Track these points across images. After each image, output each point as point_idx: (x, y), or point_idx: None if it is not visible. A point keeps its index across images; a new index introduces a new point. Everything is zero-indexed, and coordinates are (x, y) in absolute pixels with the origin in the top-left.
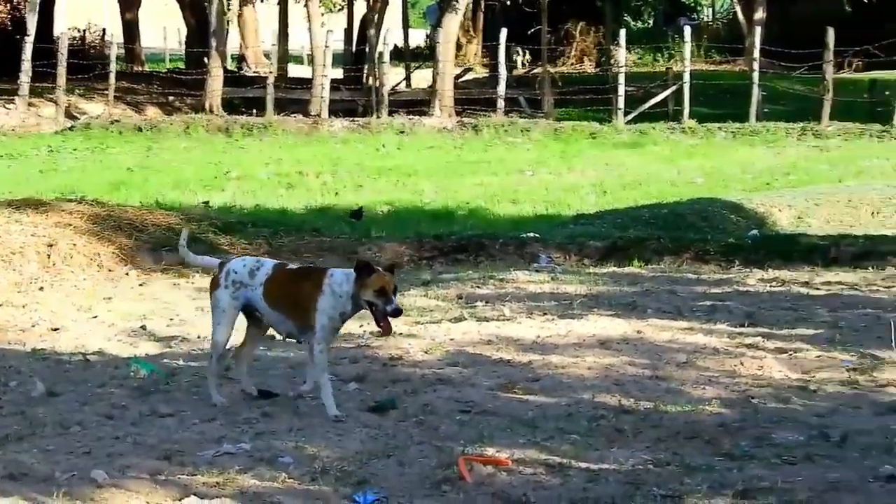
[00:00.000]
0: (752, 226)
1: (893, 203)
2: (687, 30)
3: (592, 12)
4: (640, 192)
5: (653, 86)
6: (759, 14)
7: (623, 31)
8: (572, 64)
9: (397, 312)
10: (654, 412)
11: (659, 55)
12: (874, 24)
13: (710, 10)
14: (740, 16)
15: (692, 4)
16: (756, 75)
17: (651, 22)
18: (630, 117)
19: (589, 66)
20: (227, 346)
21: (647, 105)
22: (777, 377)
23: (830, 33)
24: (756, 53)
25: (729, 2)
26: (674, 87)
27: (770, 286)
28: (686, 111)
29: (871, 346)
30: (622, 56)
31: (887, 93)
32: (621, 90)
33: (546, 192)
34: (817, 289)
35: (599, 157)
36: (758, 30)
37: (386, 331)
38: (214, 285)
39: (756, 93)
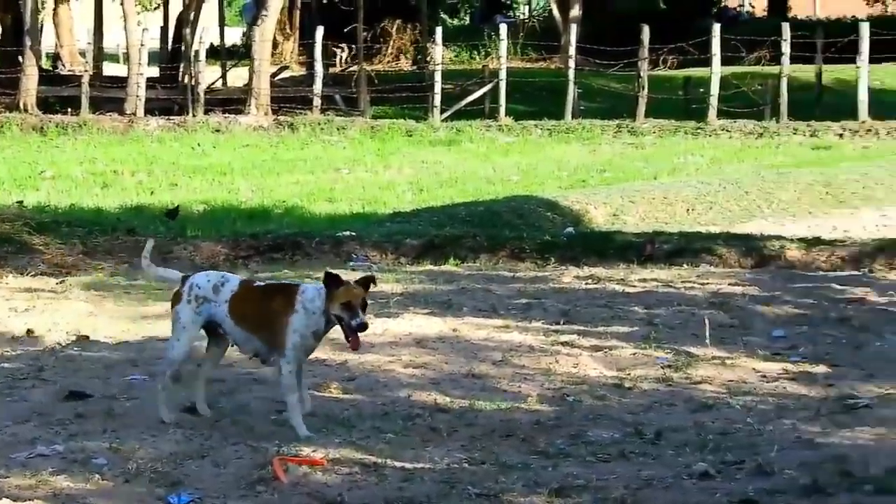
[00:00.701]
0: (568, 223)
1: (708, 199)
2: (503, 27)
3: (409, 10)
4: (456, 190)
5: (469, 83)
6: (575, 11)
7: (439, 29)
8: (389, 62)
9: (361, 327)
10: (470, 411)
11: (475, 53)
12: (688, 22)
13: (527, 7)
14: (556, 13)
15: (509, 2)
16: (572, 73)
17: (468, 19)
18: (446, 115)
19: (406, 64)
20: (179, 365)
21: (463, 103)
22: (592, 375)
23: (645, 31)
24: (572, 51)
25: (545, 0)
26: (490, 85)
27: (586, 284)
28: (502, 109)
29: (685, 343)
30: (438, 54)
31: (702, 90)
32: (438, 88)
33: (363, 190)
34: (633, 286)
35: (416, 154)
36: (573, 27)
37: (354, 346)
38: (176, 300)
39: (572, 90)
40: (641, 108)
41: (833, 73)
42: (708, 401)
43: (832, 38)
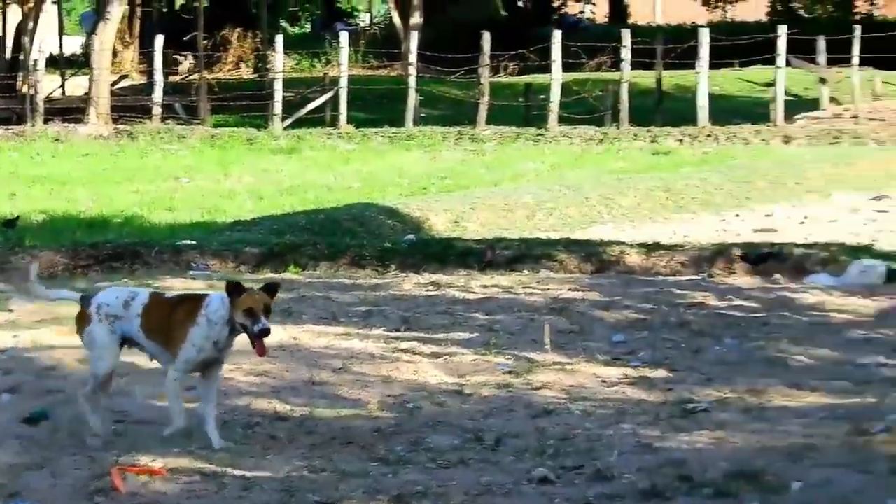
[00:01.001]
0: (409, 230)
1: (548, 206)
2: (344, 35)
3: (249, 18)
4: (297, 198)
5: (310, 91)
6: (416, 19)
7: (280, 37)
8: (229, 70)
9: (263, 332)
10: (310, 419)
11: (316, 61)
12: (529, 28)
13: (368, 15)
14: (397, 21)
15: (349, 10)
16: (413, 80)
17: (308, 27)
18: (287, 123)
19: (246, 72)
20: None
21: (304, 111)
22: (432, 381)
23: (486, 38)
24: (412, 58)
25: (386, 7)
26: (331, 93)
27: (426, 290)
28: (343, 116)
29: (525, 349)
30: (279, 62)
31: (542, 96)
32: (278, 96)
33: (203, 198)
34: (473, 292)
35: (257, 163)
36: (414, 35)
37: (260, 352)
38: (85, 321)
39: (412, 98)
40: (482, 115)
41: (673, 78)
42: (548, 406)
43: (672, 44)
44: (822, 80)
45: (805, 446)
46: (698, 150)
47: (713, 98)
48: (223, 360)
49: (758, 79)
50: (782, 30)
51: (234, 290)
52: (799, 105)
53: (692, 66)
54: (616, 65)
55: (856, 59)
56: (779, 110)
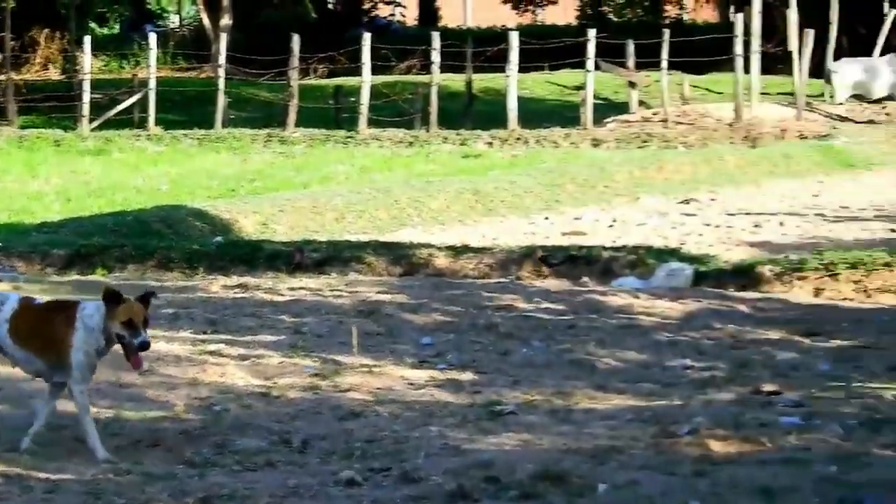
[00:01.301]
0: (218, 232)
1: (358, 208)
2: (152, 36)
3: (57, 18)
4: (105, 200)
5: (118, 93)
6: (225, 20)
7: (88, 38)
8: (37, 71)
9: (144, 345)
10: (115, 421)
11: (126, 62)
12: (339, 31)
13: (177, 16)
14: (206, 22)
15: (159, 11)
16: (222, 82)
17: (117, 28)
18: (95, 124)
19: (54, 73)
20: None
21: (112, 112)
22: (240, 384)
23: (296, 40)
24: (222, 60)
25: (195, 9)
26: (139, 94)
27: (234, 293)
28: (152, 118)
29: (333, 351)
30: (87, 63)
31: (352, 99)
32: (86, 97)
33: (9, 200)
34: (281, 295)
35: (64, 164)
36: (223, 36)
37: (137, 365)
38: None
39: (222, 100)
40: (292, 117)
41: (483, 82)
42: (355, 409)
43: (482, 48)
44: (632, 84)
45: (611, 448)
46: (508, 153)
47: (523, 101)
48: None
49: (567, 82)
50: (591, 34)
51: (112, 298)
52: (608, 108)
53: (502, 70)
54: (426, 68)
55: (665, 63)
56: (588, 114)
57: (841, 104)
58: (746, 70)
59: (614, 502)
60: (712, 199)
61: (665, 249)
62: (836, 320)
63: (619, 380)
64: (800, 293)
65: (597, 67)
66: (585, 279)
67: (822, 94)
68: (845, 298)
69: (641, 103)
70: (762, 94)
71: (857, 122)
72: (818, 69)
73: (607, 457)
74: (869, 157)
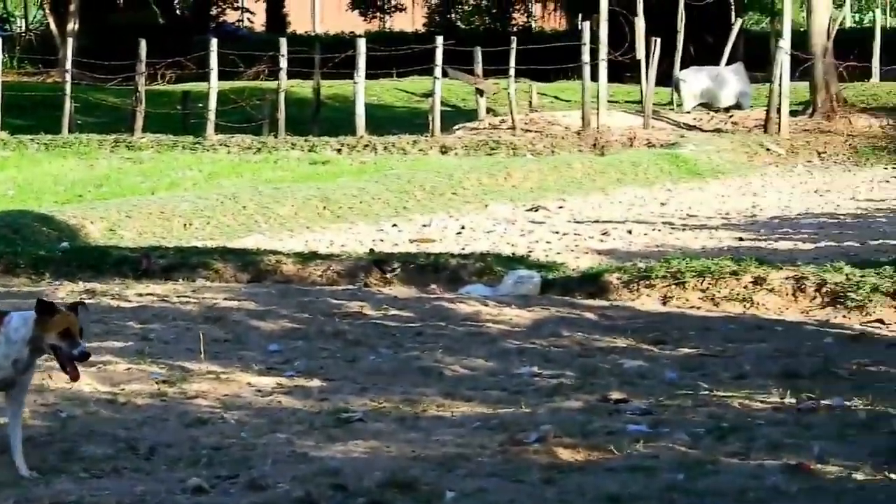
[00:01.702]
0: (64, 238)
1: (205, 214)
2: None
3: None
4: None
5: None
6: (72, 25)
7: None
8: None
9: (84, 356)
10: None
11: None
12: (187, 36)
13: (23, 20)
14: (53, 27)
15: (4, 15)
16: (69, 87)
17: None
18: None
19: None
20: None
21: None
22: (86, 390)
23: (143, 45)
24: (68, 65)
25: (42, 13)
26: None
27: (81, 298)
28: None
29: (180, 358)
30: None
31: (200, 104)
32: None
33: None
34: (128, 301)
35: None
36: (70, 41)
37: (74, 377)
38: None
39: (68, 105)
40: (139, 123)
41: (331, 88)
42: (202, 416)
43: (330, 54)
44: (480, 92)
45: (459, 455)
46: (356, 159)
47: (371, 108)
48: (25, 383)
49: (415, 89)
50: (439, 41)
51: (46, 309)
52: (456, 116)
53: (350, 76)
54: (274, 74)
55: (512, 71)
56: (436, 121)
57: (688, 113)
58: (594, 78)
59: None
60: (560, 207)
61: (513, 257)
62: (683, 328)
63: (467, 387)
64: (647, 301)
65: (445, 74)
66: (433, 286)
67: (669, 103)
68: (692, 306)
69: (489, 111)
70: (610, 102)
71: (704, 131)
72: (666, 78)
73: (455, 464)
74: (716, 166)
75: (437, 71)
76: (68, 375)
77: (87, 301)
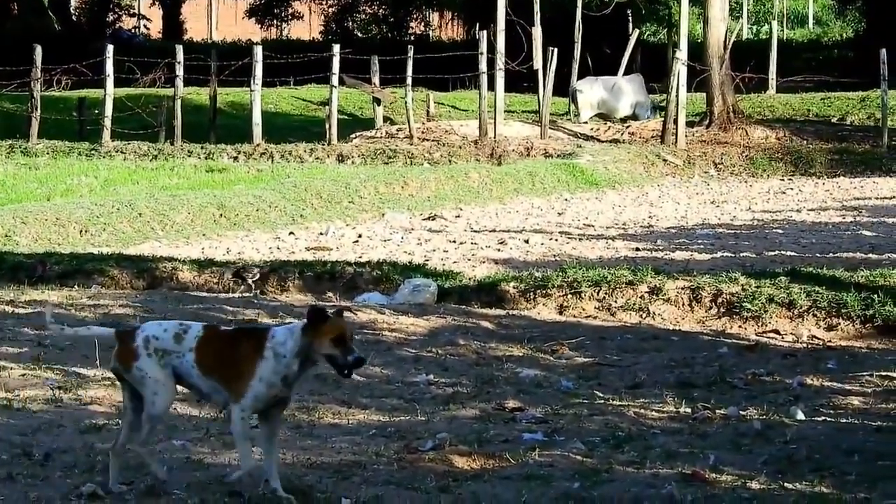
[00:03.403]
0: None
1: (101, 221)
2: None
3: None
4: None
5: None
6: None
7: None
8: None
9: (359, 362)
10: None
11: None
12: (83, 43)
13: None
14: None
15: None
16: None
17: None
18: None
19: None
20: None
21: None
22: None
23: (38, 51)
24: None
25: None
26: None
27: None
28: None
29: (76, 364)
30: None
31: (96, 111)
32: None
33: None
34: (23, 307)
35: None
36: None
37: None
38: (132, 357)
39: None
40: (34, 129)
41: (228, 96)
42: (98, 422)
43: (227, 61)
44: (377, 100)
45: (355, 463)
46: (253, 167)
47: (268, 116)
48: (289, 398)
49: (312, 97)
50: (336, 49)
51: (318, 316)
52: (353, 124)
53: (247, 84)
54: (171, 81)
55: (409, 80)
56: (333, 129)
57: (585, 123)
58: (491, 87)
59: None
60: (457, 216)
61: (410, 265)
62: (578, 337)
63: (363, 395)
64: (543, 310)
65: (342, 83)
66: (330, 294)
67: (566, 113)
68: (588, 316)
69: (387, 119)
70: (507, 111)
71: (601, 141)
72: (563, 88)
73: (351, 472)
74: (613, 176)
75: (334, 79)
76: (344, 379)
77: None
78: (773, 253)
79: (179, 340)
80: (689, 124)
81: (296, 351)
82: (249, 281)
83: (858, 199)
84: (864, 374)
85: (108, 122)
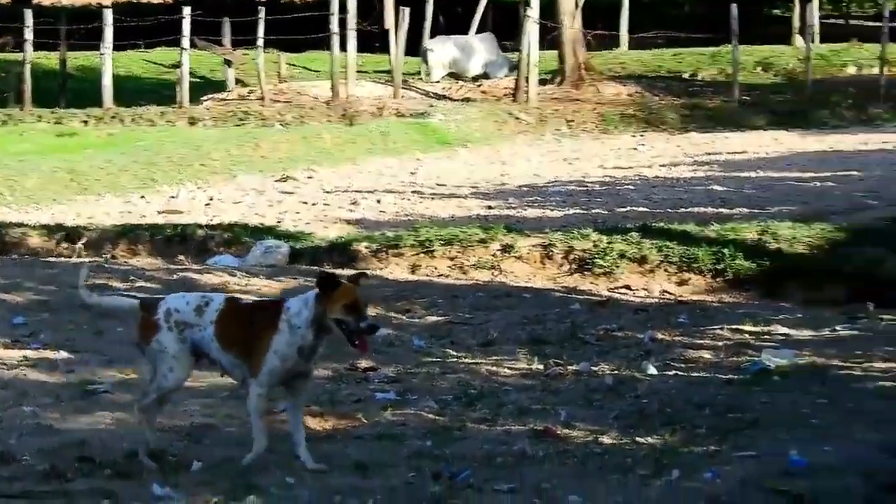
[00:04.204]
0: None
1: None
2: None
3: None
4: None
5: None
6: None
7: None
8: None
9: (373, 328)
10: None
11: None
12: None
13: None
14: None
15: None
16: None
17: None
18: None
19: None
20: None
21: None
22: None
23: None
24: None
25: None
26: None
27: None
28: None
29: None
30: None
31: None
32: None
33: None
34: None
35: None
36: None
37: (363, 350)
38: (151, 329)
39: None
40: None
41: (78, 59)
42: None
43: (76, 25)
44: (228, 62)
45: (206, 426)
46: (104, 131)
47: (119, 79)
48: (310, 370)
49: (164, 60)
50: (186, 11)
51: (329, 282)
52: (205, 86)
53: (97, 48)
54: (20, 46)
55: (261, 42)
56: (184, 92)
57: (437, 82)
58: (343, 48)
59: (209, 481)
60: (309, 177)
61: (261, 227)
62: (431, 296)
63: None
64: (396, 270)
65: (193, 45)
66: (181, 257)
67: (418, 72)
68: (441, 274)
69: (238, 81)
70: (359, 72)
71: (453, 100)
72: (415, 47)
73: (203, 435)
74: (465, 135)
75: (185, 42)
76: (357, 349)
77: None
78: (624, 209)
79: (201, 313)
80: (542, 82)
81: (311, 320)
82: (79, 245)
83: (710, 154)
84: (715, 327)
85: None
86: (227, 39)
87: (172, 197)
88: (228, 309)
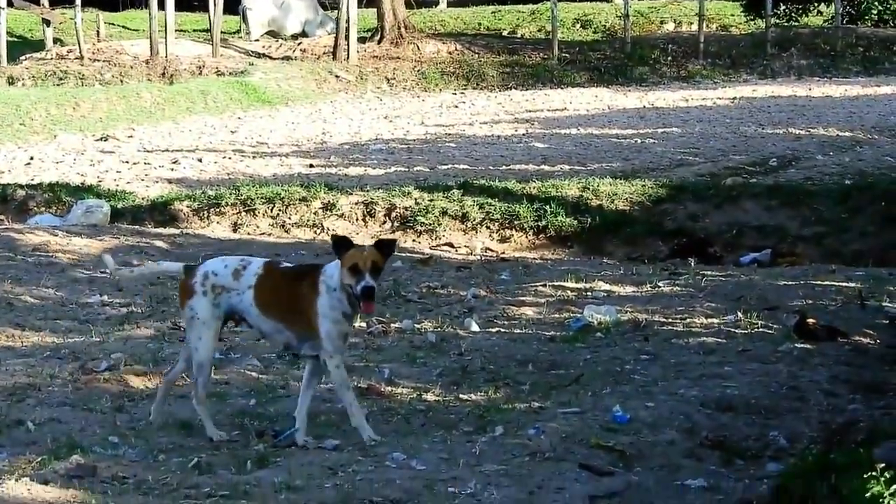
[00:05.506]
0: None
1: None
2: None
3: None
4: None
5: None
6: None
7: None
8: None
9: (364, 291)
10: None
11: None
12: None
13: None
14: None
15: None
16: None
17: None
18: None
19: None
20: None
21: None
22: None
23: None
24: None
25: None
26: None
27: None
28: None
29: None
30: None
31: None
32: None
33: None
34: None
35: None
36: None
37: (367, 309)
38: (188, 293)
39: None
40: None
41: None
42: None
43: None
44: (46, 22)
45: (30, 385)
46: None
47: None
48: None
49: None
50: None
51: (341, 244)
52: (23, 46)
53: None
54: None
55: (79, 1)
56: (2, 51)
57: (256, 41)
58: (162, 7)
59: (33, 440)
60: (130, 137)
61: (82, 187)
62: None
63: (37, 317)
64: (217, 228)
65: (10, 4)
66: (1, 217)
67: (238, 31)
68: (263, 233)
69: (57, 41)
70: (179, 30)
71: (273, 59)
72: (234, 6)
73: (26, 394)
74: (285, 94)
75: (2, 1)
76: (362, 308)
77: None
78: (446, 167)
79: (238, 277)
80: (361, 40)
81: (339, 283)
82: None
83: (530, 111)
84: (538, 284)
85: None
86: None
87: None
88: (267, 273)
